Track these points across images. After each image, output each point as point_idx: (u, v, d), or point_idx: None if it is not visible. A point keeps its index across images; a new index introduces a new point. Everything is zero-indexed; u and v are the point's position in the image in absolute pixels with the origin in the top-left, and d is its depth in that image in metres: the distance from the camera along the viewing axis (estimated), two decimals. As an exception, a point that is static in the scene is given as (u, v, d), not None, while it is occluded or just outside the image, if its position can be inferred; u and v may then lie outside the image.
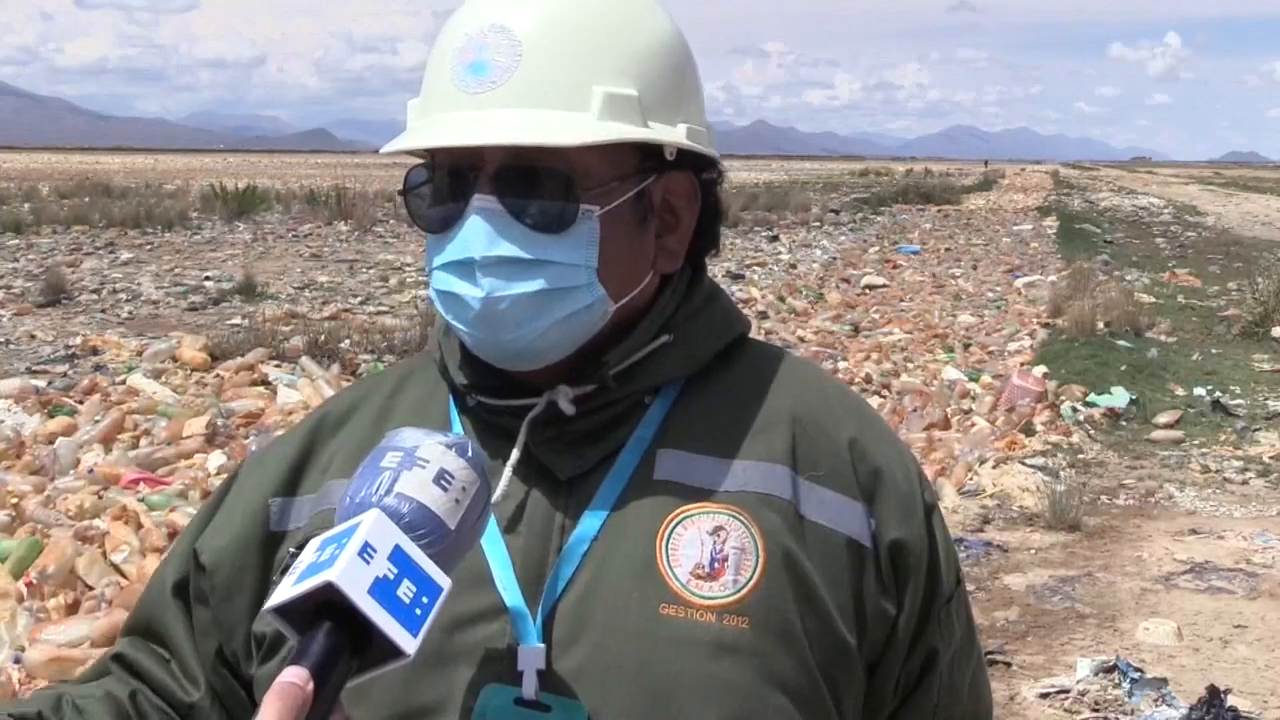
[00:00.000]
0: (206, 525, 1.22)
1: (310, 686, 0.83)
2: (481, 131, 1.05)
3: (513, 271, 1.06)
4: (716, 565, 1.06)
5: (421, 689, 1.06)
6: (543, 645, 1.05)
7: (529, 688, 1.04)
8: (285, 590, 0.87)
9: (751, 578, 1.06)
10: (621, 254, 1.10)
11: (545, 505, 1.10)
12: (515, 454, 1.10)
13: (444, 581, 0.90)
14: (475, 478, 0.96)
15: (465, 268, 1.07)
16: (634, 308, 1.14)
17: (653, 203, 1.12)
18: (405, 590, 0.87)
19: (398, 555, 0.88)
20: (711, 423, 1.13)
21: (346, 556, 0.85)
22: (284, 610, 0.87)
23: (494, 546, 1.09)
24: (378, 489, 0.92)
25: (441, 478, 0.93)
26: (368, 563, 0.86)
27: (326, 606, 0.85)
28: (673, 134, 1.11)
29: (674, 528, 1.08)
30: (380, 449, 0.96)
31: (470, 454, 0.96)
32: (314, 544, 0.90)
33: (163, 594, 1.22)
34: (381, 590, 0.86)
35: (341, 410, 1.23)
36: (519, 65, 1.06)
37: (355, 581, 0.85)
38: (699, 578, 1.06)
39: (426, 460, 0.94)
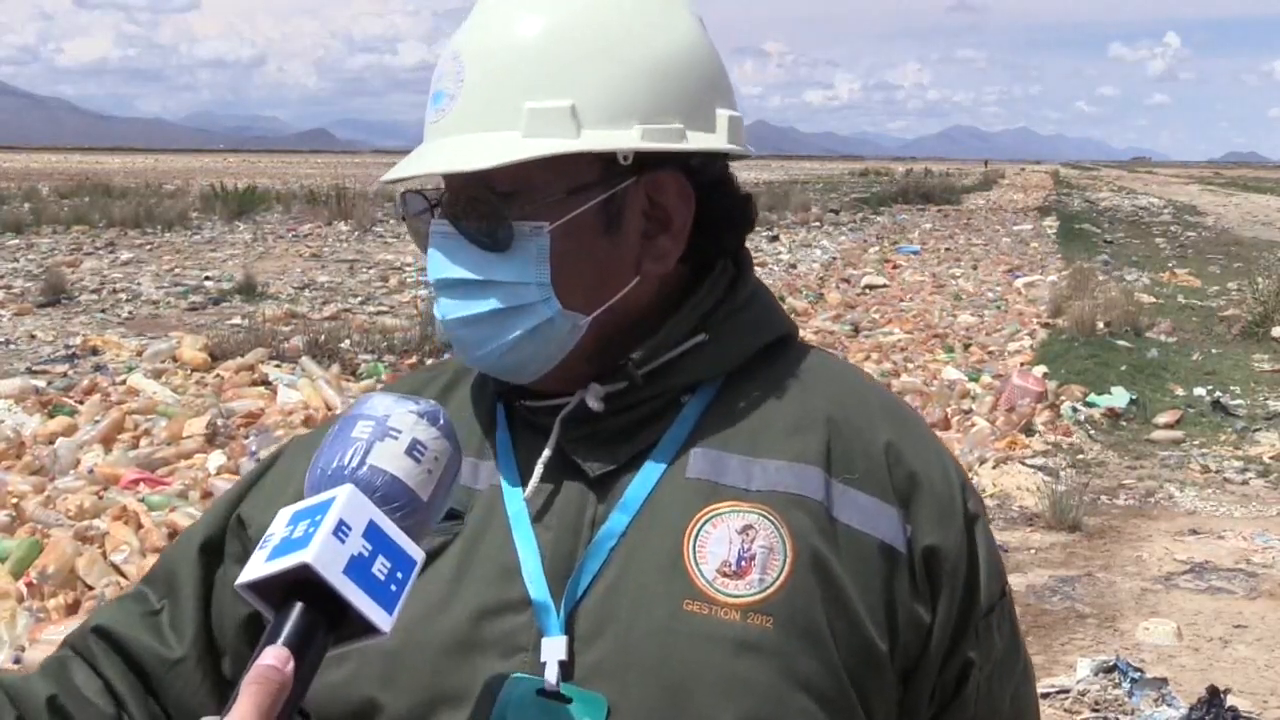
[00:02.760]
0: (247, 493, 1.23)
1: (290, 667, 0.83)
2: (421, 162, 1.11)
3: (465, 292, 1.10)
4: (744, 564, 1.06)
5: (448, 677, 1.07)
6: (565, 637, 1.05)
7: (550, 679, 1.04)
8: (257, 567, 0.86)
9: (778, 577, 1.06)
10: (584, 265, 1.10)
11: (576, 501, 1.11)
12: (547, 451, 1.12)
13: (417, 555, 0.90)
14: (447, 447, 0.95)
15: (434, 289, 1.12)
16: (641, 307, 1.13)
17: (623, 208, 1.11)
18: (380, 567, 0.86)
19: (372, 531, 0.87)
20: (746, 422, 1.13)
21: (321, 536, 0.84)
22: (255, 585, 0.86)
23: (524, 539, 1.10)
24: (350, 460, 0.91)
25: (414, 449, 0.93)
26: (343, 541, 0.85)
27: (300, 584, 0.84)
28: (619, 139, 1.09)
29: (703, 525, 1.08)
30: (350, 417, 0.95)
31: (442, 422, 0.96)
32: (284, 516, 0.89)
33: (187, 548, 1.23)
34: (357, 569, 0.85)
35: None
36: (461, 91, 1.09)
37: (331, 562, 0.84)
38: (725, 576, 1.06)
39: (399, 430, 0.93)
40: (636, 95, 1.10)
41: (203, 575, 1.21)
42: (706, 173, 1.16)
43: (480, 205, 1.09)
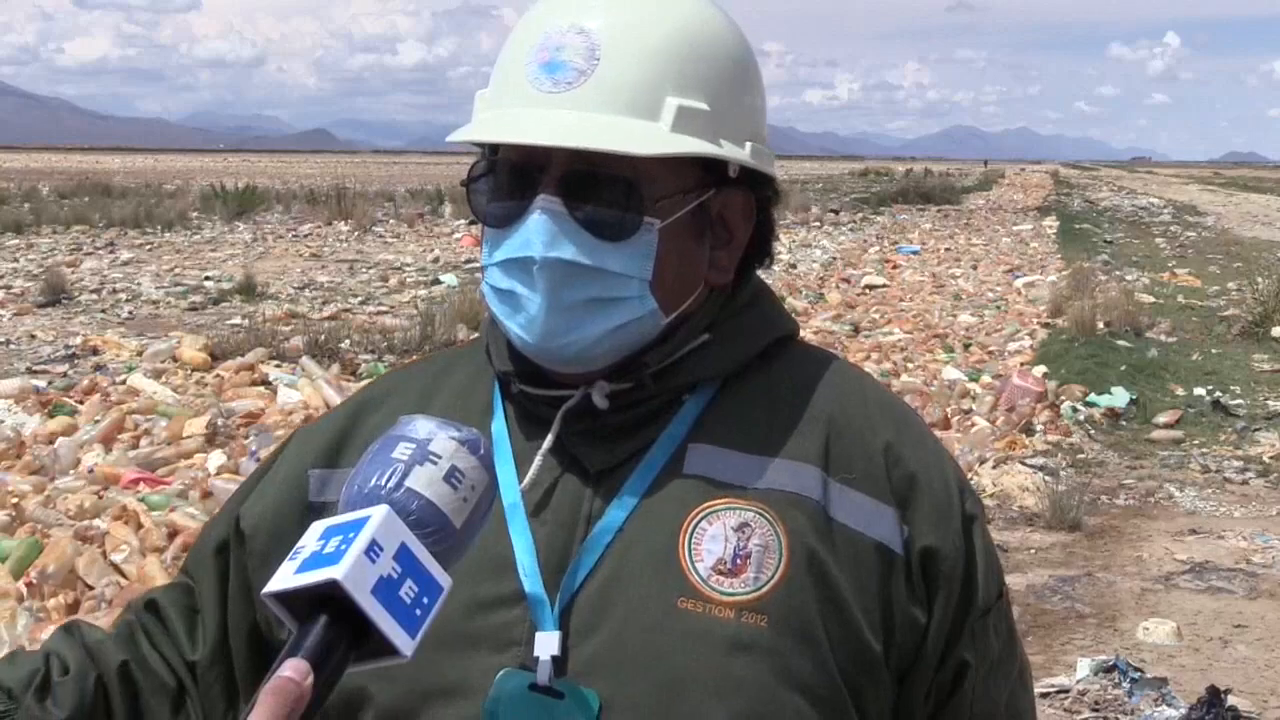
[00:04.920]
0: (252, 491, 1.24)
1: (309, 680, 0.83)
2: (553, 132, 1.06)
3: (569, 276, 1.07)
4: (739, 562, 1.06)
5: (440, 670, 1.07)
6: (558, 632, 1.06)
7: (543, 674, 1.05)
8: (286, 578, 0.86)
9: (773, 576, 1.06)
10: (676, 267, 1.11)
11: (573, 495, 1.11)
12: (547, 443, 1.12)
13: (445, 581, 0.90)
14: (485, 477, 0.95)
15: (523, 267, 1.08)
16: (682, 318, 1.14)
17: (710, 217, 1.13)
18: (408, 590, 0.87)
19: (403, 554, 0.87)
20: (746, 420, 1.13)
21: (353, 555, 0.85)
22: (281, 595, 0.86)
23: (519, 533, 1.10)
24: (388, 481, 0.91)
25: (452, 475, 0.92)
26: (373, 561, 0.85)
27: (326, 599, 0.85)
28: (739, 152, 1.12)
29: (698, 522, 1.08)
30: (392, 436, 0.95)
31: (482, 451, 0.95)
32: (317, 529, 0.89)
33: (205, 550, 1.24)
34: (384, 590, 0.85)
35: (388, 387, 1.25)
36: (595, 69, 1.06)
37: (360, 581, 0.84)
38: (720, 573, 1.06)
39: (439, 456, 0.93)
40: (748, 111, 1.14)
41: (219, 581, 1.22)
42: (764, 196, 1.18)
43: (608, 191, 1.07)
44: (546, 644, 1.05)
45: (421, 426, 0.95)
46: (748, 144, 1.13)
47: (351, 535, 0.86)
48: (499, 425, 1.16)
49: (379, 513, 0.88)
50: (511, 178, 1.09)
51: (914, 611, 1.10)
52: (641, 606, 1.06)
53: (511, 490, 1.11)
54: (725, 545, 1.07)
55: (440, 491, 0.92)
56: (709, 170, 1.12)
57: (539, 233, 1.06)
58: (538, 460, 1.11)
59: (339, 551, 0.85)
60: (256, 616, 1.18)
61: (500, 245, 1.09)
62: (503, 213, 1.10)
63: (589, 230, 1.07)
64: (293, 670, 0.82)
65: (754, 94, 1.16)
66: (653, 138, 1.06)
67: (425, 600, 0.87)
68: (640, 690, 1.04)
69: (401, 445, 0.94)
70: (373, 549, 0.86)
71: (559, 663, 1.05)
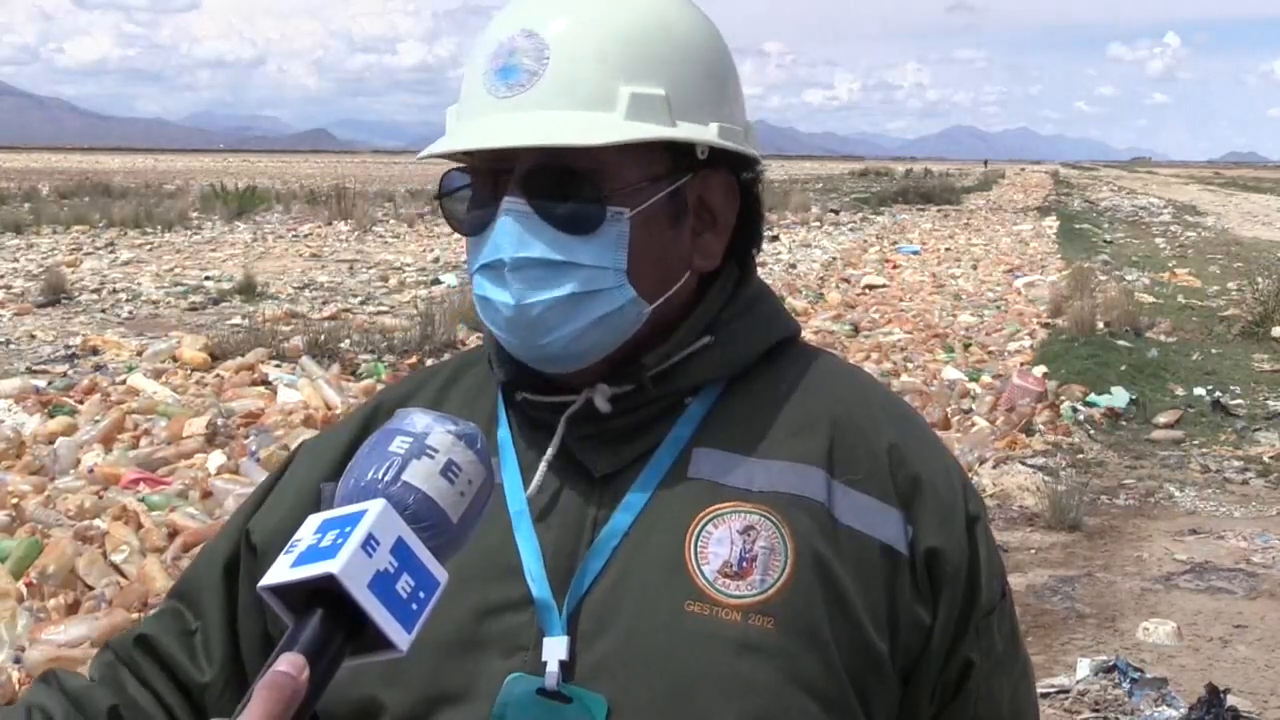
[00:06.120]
0: (260, 505, 1.24)
1: (305, 675, 0.83)
2: (505, 134, 1.06)
3: (541, 274, 1.07)
4: (745, 564, 1.07)
5: (449, 675, 1.07)
6: (566, 637, 1.06)
7: (551, 679, 1.05)
8: (282, 571, 0.85)
9: (779, 578, 1.06)
10: (654, 254, 1.11)
11: (579, 500, 1.11)
12: (552, 449, 1.12)
13: (441, 576, 0.89)
14: (482, 471, 0.94)
15: (496, 271, 1.08)
16: (673, 307, 1.14)
17: (687, 202, 1.13)
18: (404, 585, 0.86)
19: (400, 548, 0.87)
20: (750, 423, 1.13)
21: (350, 548, 0.84)
22: (277, 589, 0.86)
23: (526, 538, 1.10)
24: (384, 474, 0.91)
25: (449, 469, 0.92)
26: (370, 555, 0.85)
27: (322, 592, 0.84)
28: (704, 133, 1.11)
29: (704, 525, 1.08)
30: (389, 430, 0.95)
31: (479, 446, 0.95)
32: (312, 522, 0.88)
33: (211, 570, 1.23)
34: (381, 585, 0.85)
35: (396, 399, 1.24)
36: (546, 68, 1.07)
37: (357, 576, 0.84)
38: (727, 576, 1.06)
39: (436, 450, 0.92)
40: (713, 93, 1.13)
41: (226, 598, 1.21)
42: (747, 176, 1.18)
43: (570, 185, 1.07)
44: (554, 649, 1.05)
45: (418, 420, 0.95)
46: (714, 124, 1.12)
47: (348, 529, 0.86)
48: (504, 433, 1.17)
49: (375, 507, 0.88)
50: (483, 185, 1.10)
51: (919, 611, 1.10)
52: (649, 610, 1.06)
53: (517, 497, 1.12)
54: (731, 548, 1.07)
55: (437, 485, 0.91)
56: (680, 155, 1.11)
57: (507, 234, 1.07)
58: (543, 466, 1.12)
59: (335, 545, 0.85)
60: (269, 628, 1.18)
61: (479, 252, 1.10)
62: (476, 220, 1.11)
63: (556, 226, 1.07)
64: (288, 665, 0.82)
65: (719, 76, 1.14)
66: (606, 127, 1.06)
67: (422, 595, 0.87)
68: (648, 693, 1.04)
69: (398, 439, 0.93)
70: (369, 543, 0.85)
71: (567, 667, 1.05)
